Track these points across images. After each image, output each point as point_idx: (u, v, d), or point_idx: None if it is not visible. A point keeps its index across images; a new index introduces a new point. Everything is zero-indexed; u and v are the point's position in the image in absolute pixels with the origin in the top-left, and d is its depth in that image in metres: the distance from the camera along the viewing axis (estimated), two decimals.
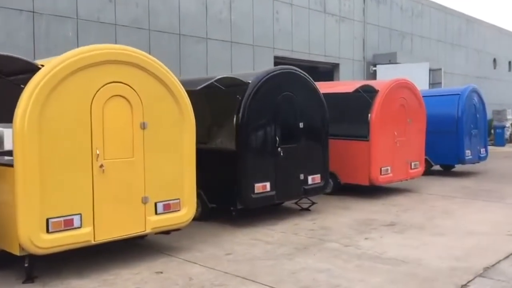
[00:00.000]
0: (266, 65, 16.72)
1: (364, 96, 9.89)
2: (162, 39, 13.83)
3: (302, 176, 8.26)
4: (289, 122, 8.10)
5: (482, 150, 14.11)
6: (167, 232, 6.41)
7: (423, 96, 14.09)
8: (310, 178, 8.40)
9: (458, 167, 14.66)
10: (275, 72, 7.86)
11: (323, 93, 8.93)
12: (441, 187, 11.47)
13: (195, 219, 8.01)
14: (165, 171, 6.01)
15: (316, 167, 8.53)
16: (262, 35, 16.89)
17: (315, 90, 8.53)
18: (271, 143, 7.77)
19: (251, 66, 16.34)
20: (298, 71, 8.31)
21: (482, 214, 8.61)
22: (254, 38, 16.58)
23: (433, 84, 23.85)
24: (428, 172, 13.49)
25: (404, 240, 6.86)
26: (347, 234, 7.16)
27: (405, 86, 10.60)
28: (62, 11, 11.68)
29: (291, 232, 7.33)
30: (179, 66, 14.14)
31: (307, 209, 8.88)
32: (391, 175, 10.16)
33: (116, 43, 12.85)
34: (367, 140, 9.84)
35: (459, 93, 13.37)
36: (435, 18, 26.61)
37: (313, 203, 8.98)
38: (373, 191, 10.39)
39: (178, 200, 6.14)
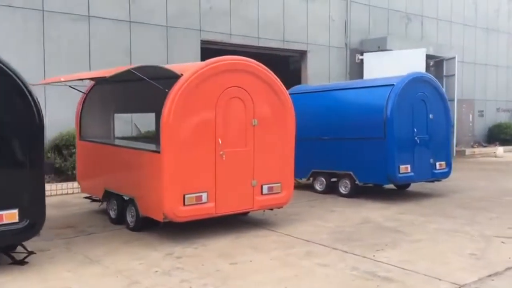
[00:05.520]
0: (187, 52, 13.47)
1: (157, 86, 6.39)
2: (14, 16, 10.96)
3: None
4: None
5: (439, 164, 9.89)
6: None
7: (349, 89, 10.34)
8: None
9: (417, 186, 10.60)
10: None
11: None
12: (324, 223, 7.57)
13: None
14: None
15: (6, 200, 5.21)
16: (181, 13, 13.53)
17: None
18: None
19: (164, 53, 13.09)
20: None
21: (287, 282, 4.86)
22: (168, 17, 13.29)
23: (446, 76, 19.34)
24: (356, 193, 9.72)
25: None
26: None
27: (242, 70, 6.82)
28: None
29: None
30: (42, 51, 11.24)
31: (22, 263, 5.58)
32: (209, 205, 6.54)
33: None
34: (159, 152, 6.34)
35: (393, 83, 9.32)
36: None
37: (30, 253, 5.66)
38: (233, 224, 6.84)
39: None
